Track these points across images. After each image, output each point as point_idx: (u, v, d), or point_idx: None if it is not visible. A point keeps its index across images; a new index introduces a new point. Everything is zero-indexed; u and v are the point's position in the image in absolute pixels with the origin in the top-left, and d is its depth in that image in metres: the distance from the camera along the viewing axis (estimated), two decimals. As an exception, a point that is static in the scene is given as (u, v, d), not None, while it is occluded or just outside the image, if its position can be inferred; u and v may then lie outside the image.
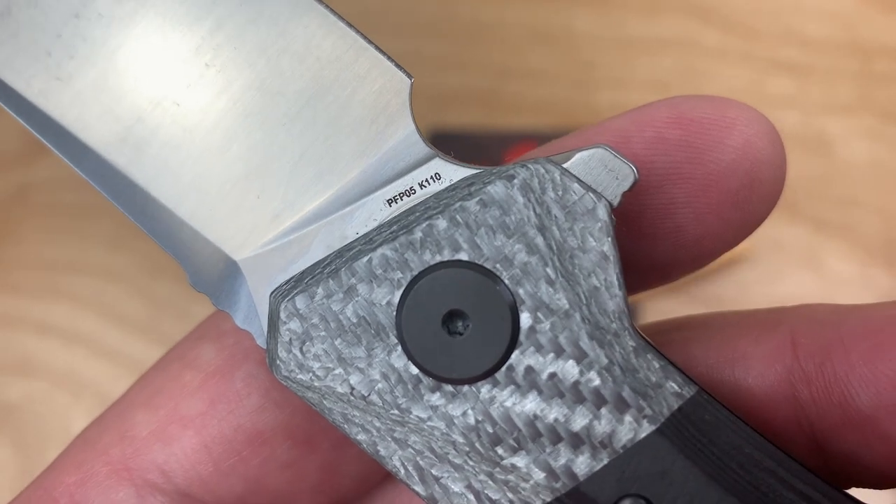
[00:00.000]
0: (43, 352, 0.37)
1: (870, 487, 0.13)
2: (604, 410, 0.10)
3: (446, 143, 0.40)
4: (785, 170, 0.13)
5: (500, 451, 0.10)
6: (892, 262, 0.37)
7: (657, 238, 0.12)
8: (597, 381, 0.10)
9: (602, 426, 0.10)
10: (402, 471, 0.10)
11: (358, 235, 0.11)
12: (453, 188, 0.11)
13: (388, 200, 0.12)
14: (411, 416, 0.10)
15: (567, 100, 0.41)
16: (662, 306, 0.37)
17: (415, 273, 0.10)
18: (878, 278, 0.37)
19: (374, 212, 0.11)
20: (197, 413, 0.12)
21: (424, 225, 0.11)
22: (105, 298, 0.38)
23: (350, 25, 0.13)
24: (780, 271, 0.37)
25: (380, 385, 0.10)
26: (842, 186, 0.39)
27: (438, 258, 0.10)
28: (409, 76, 0.13)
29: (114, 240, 0.39)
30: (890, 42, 0.42)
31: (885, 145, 0.39)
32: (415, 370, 0.10)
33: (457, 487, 0.10)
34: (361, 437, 0.10)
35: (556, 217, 0.10)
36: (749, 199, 0.12)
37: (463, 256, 0.10)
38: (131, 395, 0.14)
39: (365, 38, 0.13)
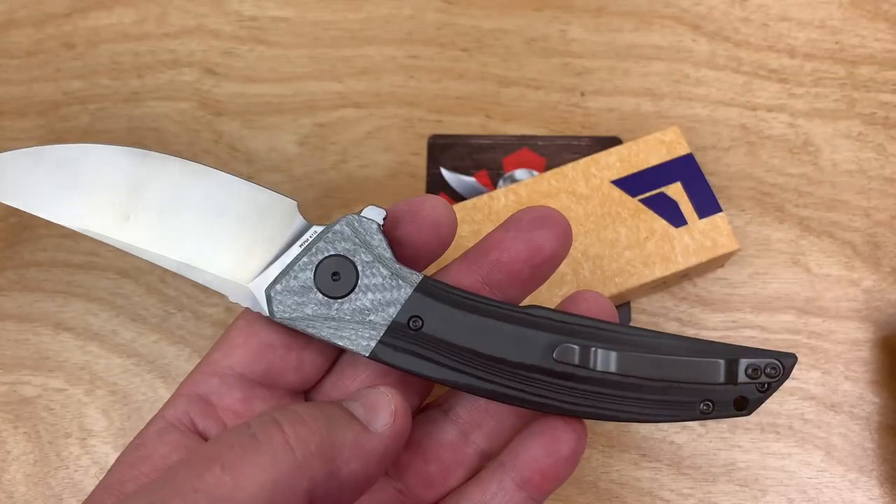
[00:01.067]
0: (58, 348, 0.38)
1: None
2: (394, 289, 0.24)
3: (446, 148, 0.41)
4: (454, 221, 0.25)
5: (364, 319, 0.24)
6: (878, 263, 0.38)
7: (404, 244, 0.25)
8: (389, 280, 0.24)
9: (394, 295, 0.24)
10: (338, 340, 0.23)
11: (292, 259, 0.24)
12: (324, 231, 0.24)
13: (300, 244, 0.25)
14: (331, 314, 0.24)
15: (563, 107, 0.42)
16: (655, 304, 0.38)
17: (317, 262, 0.24)
18: (864, 278, 0.38)
19: (294, 250, 0.24)
20: (242, 343, 0.25)
21: (316, 245, 0.24)
22: (118, 297, 0.39)
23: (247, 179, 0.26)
24: (767, 271, 0.38)
25: (317, 307, 0.24)
26: (828, 189, 0.39)
27: (323, 255, 0.24)
28: (295, 199, 0.25)
29: None
30: (874, 49, 0.43)
31: (869, 149, 0.40)
32: (324, 298, 0.24)
33: (356, 338, 0.23)
34: (324, 332, 0.24)
35: (361, 231, 0.24)
36: (436, 231, 0.25)
37: (332, 252, 0.24)
38: (212, 348, 0.25)
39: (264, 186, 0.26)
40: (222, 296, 0.39)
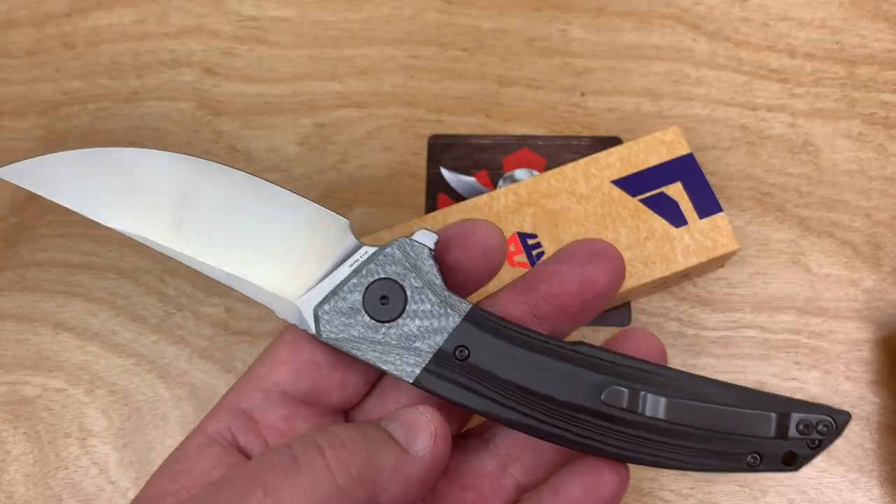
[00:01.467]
0: (58, 348, 0.38)
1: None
2: (443, 317, 0.23)
3: (446, 148, 0.41)
4: (505, 247, 0.25)
5: (410, 345, 0.23)
6: (878, 263, 0.38)
7: (453, 268, 0.25)
8: (438, 307, 0.24)
9: (442, 323, 0.24)
10: (383, 364, 0.23)
11: (341, 279, 0.24)
12: (375, 253, 0.24)
13: (349, 264, 0.25)
14: (377, 338, 0.24)
15: (563, 107, 0.42)
16: (655, 304, 0.38)
17: (366, 284, 0.24)
18: (864, 278, 0.38)
19: (344, 270, 0.24)
20: (287, 359, 0.25)
21: (367, 267, 0.24)
22: (118, 297, 0.39)
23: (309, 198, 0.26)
24: (767, 271, 0.38)
25: (364, 330, 0.24)
26: (828, 189, 0.39)
27: (373, 278, 0.24)
28: (346, 217, 0.25)
29: (126, 240, 0.40)
30: (875, 49, 0.43)
31: (870, 149, 0.40)
32: (372, 321, 0.24)
33: (401, 363, 0.23)
34: (369, 356, 0.23)
35: (412, 256, 0.24)
36: (486, 257, 0.25)
37: (382, 275, 0.24)
38: (255, 362, 0.25)
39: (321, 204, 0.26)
40: (222, 296, 0.39)
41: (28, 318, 0.39)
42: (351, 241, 0.25)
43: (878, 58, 0.42)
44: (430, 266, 0.24)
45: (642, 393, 0.23)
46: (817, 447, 0.22)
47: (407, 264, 0.24)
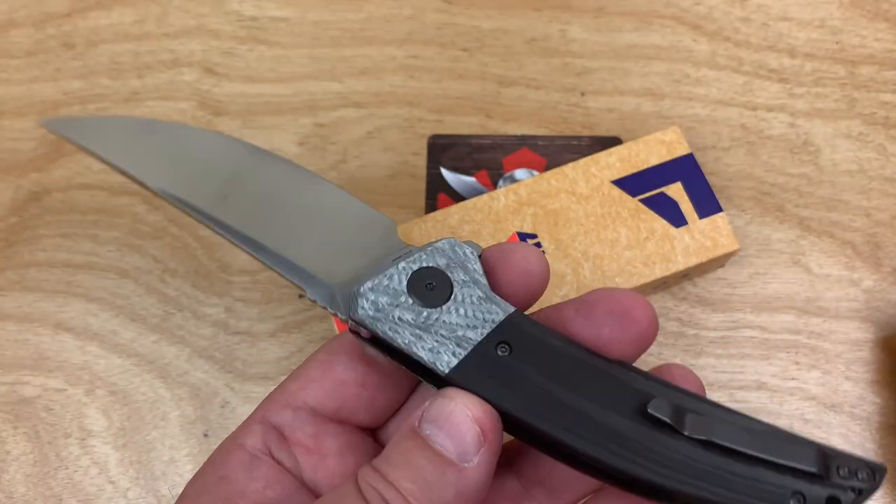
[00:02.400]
0: (58, 348, 0.38)
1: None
2: (487, 312, 0.23)
3: (446, 148, 0.41)
4: (547, 274, 0.24)
5: (450, 333, 0.23)
6: (878, 263, 0.38)
7: (501, 283, 0.24)
8: (484, 302, 0.23)
9: (487, 317, 0.23)
10: (418, 349, 0.22)
11: (385, 268, 0.24)
12: (423, 247, 0.24)
13: (393, 259, 0.24)
14: (418, 321, 0.23)
15: (563, 107, 0.42)
16: (655, 304, 0.37)
17: (413, 269, 0.23)
18: (864, 279, 0.38)
19: (387, 264, 0.24)
20: (318, 377, 0.25)
21: (415, 255, 0.24)
22: (118, 297, 0.39)
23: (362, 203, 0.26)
24: (767, 271, 0.38)
25: (404, 312, 0.23)
26: (828, 189, 0.39)
27: (421, 265, 0.24)
28: (394, 221, 0.25)
29: (126, 241, 0.40)
30: (875, 49, 0.43)
31: (870, 149, 0.40)
32: (414, 304, 0.23)
33: (438, 351, 0.22)
34: (406, 338, 0.22)
35: (459, 254, 0.24)
36: (525, 280, 0.24)
37: (431, 264, 0.24)
38: (289, 377, 0.25)
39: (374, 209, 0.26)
40: (222, 296, 0.39)
41: (28, 318, 0.38)
42: (396, 240, 0.25)
43: (878, 58, 0.42)
44: (477, 266, 0.24)
45: (687, 413, 0.21)
46: (860, 494, 0.21)
47: (455, 259, 0.24)
